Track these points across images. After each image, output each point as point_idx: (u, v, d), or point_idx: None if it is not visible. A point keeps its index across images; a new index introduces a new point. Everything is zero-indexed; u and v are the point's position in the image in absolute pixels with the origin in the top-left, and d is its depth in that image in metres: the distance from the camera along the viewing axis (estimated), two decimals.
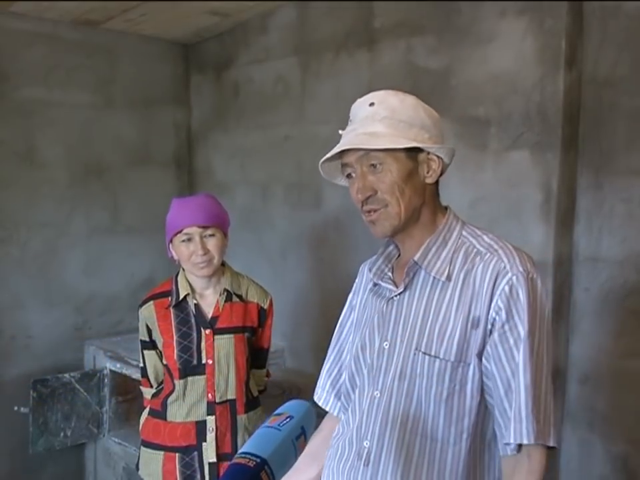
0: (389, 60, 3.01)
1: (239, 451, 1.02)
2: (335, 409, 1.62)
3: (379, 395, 1.39)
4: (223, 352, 2.22)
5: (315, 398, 1.67)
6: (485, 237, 1.41)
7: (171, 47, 3.95)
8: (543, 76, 2.50)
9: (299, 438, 1.09)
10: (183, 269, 2.28)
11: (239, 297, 2.30)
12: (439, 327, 1.34)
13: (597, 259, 2.56)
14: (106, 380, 3.46)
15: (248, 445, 1.03)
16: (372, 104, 1.37)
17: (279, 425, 1.08)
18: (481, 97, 2.68)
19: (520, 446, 1.28)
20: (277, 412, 1.13)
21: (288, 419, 1.09)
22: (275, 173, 3.60)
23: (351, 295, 1.66)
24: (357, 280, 1.65)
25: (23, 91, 3.37)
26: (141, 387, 2.40)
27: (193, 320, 2.23)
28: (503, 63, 2.61)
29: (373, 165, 1.35)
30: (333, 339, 1.67)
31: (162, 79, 3.94)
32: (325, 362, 1.67)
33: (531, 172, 2.55)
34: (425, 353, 1.34)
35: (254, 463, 0.99)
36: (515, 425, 1.26)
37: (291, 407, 1.14)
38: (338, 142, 1.40)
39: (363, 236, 3.04)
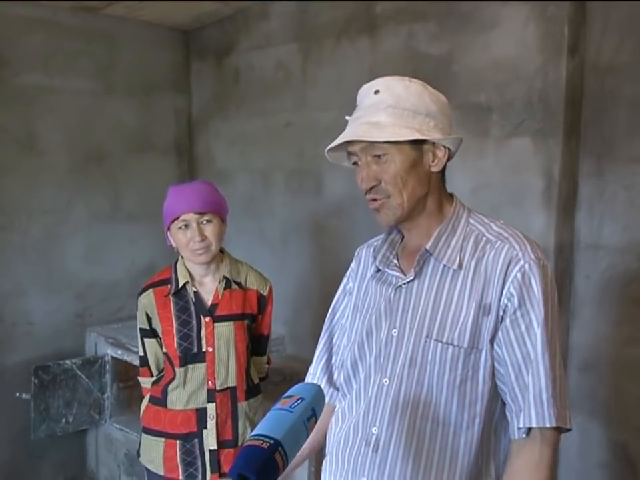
0: (391, 46, 3.00)
1: (252, 433, 1.03)
2: (326, 395, 1.62)
3: (387, 381, 1.39)
4: (222, 339, 2.23)
5: None
6: (494, 225, 1.41)
7: (171, 33, 3.93)
8: (545, 62, 2.48)
9: (310, 419, 1.10)
10: (182, 257, 2.28)
11: (238, 284, 2.30)
12: (452, 315, 1.34)
13: (598, 247, 2.55)
14: (107, 366, 3.47)
15: (261, 427, 1.03)
16: (377, 91, 1.36)
17: (290, 406, 1.08)
18: (482, 84, 2.67)
19: (530, 429, 1.29)
20: (287, 394, 1.13)
21: (299, 401, 1.09)
22: (275, 160, 3.59)
23: (345, 280, 1.66)
24: (352, 265, 1.64)
25: (22, 77, 3.36)
26: (139, 377, 2.40)
27: (192, 308, 2.24)
28: (505, 49, 2.59)
29: (377, 155, 1.35)
30: (324, 324, 1.67)
31: (162, 66, 3.92)
32: (317, 347, 1.67)
33: (533, 159, 2.54)
34: (437, 340, 1.34)
35: (268, 444, 1.00)
36: (537, 409, 1.27)
37: (301, 389, 1.15)
38: (342, 128, 1.40)
39: (364, 223, 3.04)
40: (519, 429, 1.30)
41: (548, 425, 1.27)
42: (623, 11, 2.42)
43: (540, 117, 2.51)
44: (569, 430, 1.31)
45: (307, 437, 1.09)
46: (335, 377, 1.62)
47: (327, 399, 1.60)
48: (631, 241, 2.47)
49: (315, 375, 1.66)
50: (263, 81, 3.61)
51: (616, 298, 2.52)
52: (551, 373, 1.28)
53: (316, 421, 1.12)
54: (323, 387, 1.62)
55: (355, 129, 1.35)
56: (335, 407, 1.60)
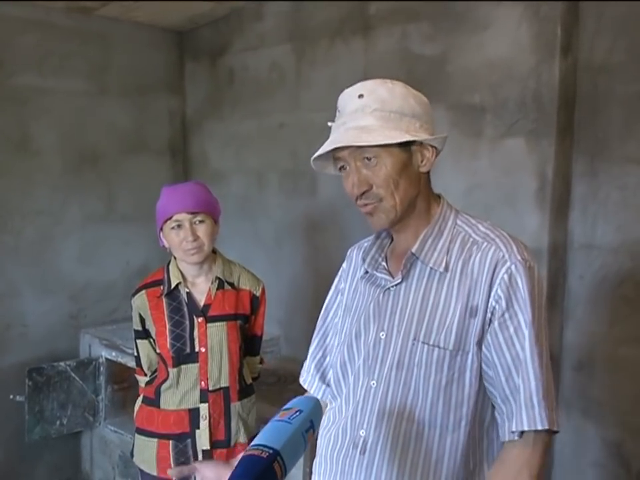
0: (384, 47, 3.00)
1: (252, 444, 1.04)
2: (319, 391, 1.63)
3: (375, 384, 1.39)
4: (215, 340, 2.23)
5: (300, 380, 1.68)
6: (480, 226, 1.41)
7: (165, 34, 3.93)
8: (539, 63, 2.49)
9: (308, 431, 1.12)
10: (175, 258, 2.29)
11: (231, 284, 2.30)
12: (438, 317, 1.34)
13: (592, 247, 2.56)
14: (101, 368, 3.47)
15: (260, 438, 1.06)
16: (361, 96, 1.34)
17: (289, 418, 1.11)
18: (476, 84, 2.67)
19: (523, 432, 1.28)
20: (286, 407, 1.15)
21: (297, 413, 1.12)
22: (269, 161, 3.59)
23: (337, 279, 1.66)
24: (344, 265, 1.64)
25: (16, 78, 3.35)
26: (136, 376, 2.41)
27: (185, 308, 2.23)
28: (499, 49, 2.60)
29: (366, 158, 1.34)
30: (318, 323, 1.67)
31: (156, 67, 3.92)
32: (310, 345, 1.68)
33: (526, 159, 2.55)
34: (423, 343, 1.34)
35: (267, 454, 1.02)
36: (528, 412, 1.26)
37: (299, 402, 1.17)
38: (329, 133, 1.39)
39: (358, 224, 3.03)
40: (512, 432, 1.29)
41: (540, 428, 1.26)
42: (616, 10, 2.42)
43: (533, 117, 2.52)
44: (556, 432, 1.31)
45: (305, 448, 1.11)
46: (329, 375, 1.62)
47: (319, 395, 1.61)
48: (624, 240, 2.47)
49: (308, 372, 1.66)
50: (257, 82, 3.61)
51: (609, 298, 2.53)
52: (540, 375, 1.28)
53: (314, 433, 1.14)
54: (316, 383, 1.63)
55: (344, 135, 1.33)
56: (327, 404, 1.60)
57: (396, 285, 1.41)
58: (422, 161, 1.38)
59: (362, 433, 1.40)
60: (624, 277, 2.48)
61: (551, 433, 1.30)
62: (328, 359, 1.63)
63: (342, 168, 1.40)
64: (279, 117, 3.51)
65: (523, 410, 1.27)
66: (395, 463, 1.35)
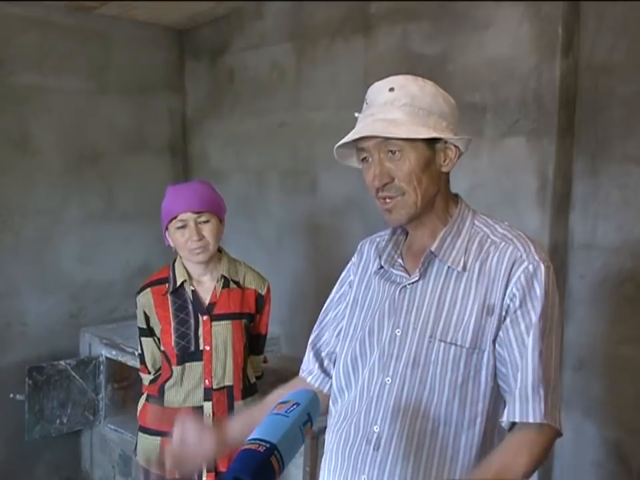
0: (385, 46, 3.00)
1: (249, 438, 1.04)
2: (317, 379, 1.62)
3: (390, 380, 1.40)
4: (220, 338, 2.23)
5: (301, 370, 1.67)
6: (498, 227, 1.42)
7: (166, 33, 3.92)
8: (540, 62, 2.49)
9: (306, 424, 1.12)
10: (180, 256, 2.29)
11: (237, 283, 2.31)
12: (456, 316, 1.35)
13: (593, 246, 2.56)
14: (102, 367, 3.47)
15: (257, 432, 1.05)
16: (392, 89, 1.36)
17: (286, 412, 1.10)
18: (477, 83, 2.67)
19: (515, 424, 1.29)
20: (283, 400, 1.15)
21: (295, 406, 1.12)
22: (270, 160, 3.59)
23: (344, 272, 1.66)
24: (353, 258, 1.64)
25: (16, 76, 3.34)
26: (141, 374, 2.41)
27: (190, 306, 2.24)
28: (500, 49, 2.60)
29: (391, 151, 1.35)
30: (320, 315, 1.67)
31: (156, 65, 3.91)
32: (311, 335, 1.67)
33: (527, 158, 2.55)
34: (440, 340, 1.35)
35: (264, 448, 1.02)
36: (521, 404, 1.28)
37: (296, 395, 1.17)
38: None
39: (359, 222, 3.05)
40: (501, 421, 1.31)
41: (532, 421, 1.26)
42: (617, 10, 2.42)
43: (534, 116, 2.52)
44: (560, 434, 1.31)
45: (303, 442, 1.11)
46: (326, 363, 1.62)
47: (317, 384, 1.61)
48: (625, 240, 2.47)
49: (309, 361, 1.66)
50: (257, 81, 3.61)
51: (610, 297, 2.53)
52: (539, 369, 1.28)
53: (312, 426, 1.14)
54: (316, 371, 1.63)
55: (371, 125, 1.34)
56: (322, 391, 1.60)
57: (413, 283, 1.42)
58: (444, 160, 1.40)
59: (376, 428, 1.40)
60: (625, 277, 2.48)
61: (554, 430, 1.30)
62: (327, 339, 1.63)
63: (364, 160, 1.41)
64: (279, 116, 3.51)
65: (517, 402, 1.28)
66: (409, 460, 1.35)
